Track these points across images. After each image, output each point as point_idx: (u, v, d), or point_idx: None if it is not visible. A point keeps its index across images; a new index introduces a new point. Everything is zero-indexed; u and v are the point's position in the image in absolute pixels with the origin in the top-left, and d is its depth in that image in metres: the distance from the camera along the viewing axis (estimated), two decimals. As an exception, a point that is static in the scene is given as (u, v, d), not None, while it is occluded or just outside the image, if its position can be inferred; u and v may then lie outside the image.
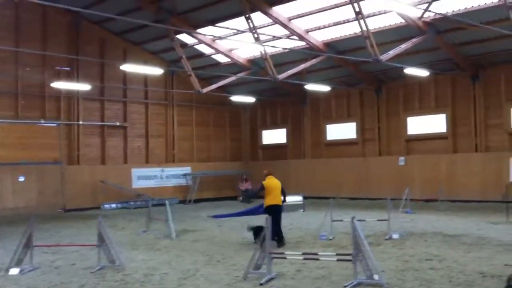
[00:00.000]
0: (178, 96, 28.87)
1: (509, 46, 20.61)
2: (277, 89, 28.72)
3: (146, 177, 27.39)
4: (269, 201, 12.80)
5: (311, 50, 22.78)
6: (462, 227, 14.93)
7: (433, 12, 16.54)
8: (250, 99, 28.79)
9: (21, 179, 23.29)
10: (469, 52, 22.03)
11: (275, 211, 12.42)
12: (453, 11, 18.92)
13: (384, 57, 18.80)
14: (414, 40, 20.19)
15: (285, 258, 9.68)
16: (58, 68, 24.56)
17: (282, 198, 13.10)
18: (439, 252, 10.93)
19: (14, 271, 9.97)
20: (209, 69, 27.28)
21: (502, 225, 15.04)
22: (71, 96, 25.15)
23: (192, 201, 27.75)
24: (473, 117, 23.03)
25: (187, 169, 29.04)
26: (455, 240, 12.45)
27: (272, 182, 12.97)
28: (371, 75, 25.66)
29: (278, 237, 12.47)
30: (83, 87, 24.00)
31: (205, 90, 24.83)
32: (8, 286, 8.88)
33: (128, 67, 23.26)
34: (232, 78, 25.78)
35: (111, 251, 10.18)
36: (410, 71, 21.54)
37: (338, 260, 9.20)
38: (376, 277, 8.09)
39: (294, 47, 22.87)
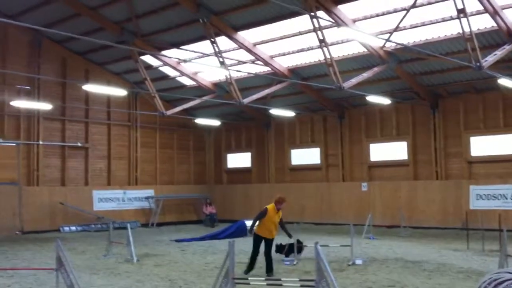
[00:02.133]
0: (141, 118, 28.60)
1: (467, 77, 21.34)
2: (242, 113, 28.82)
3: (107, 200, 26.86)
4: (260, 229, 12.16)
5: (275, 76, 23.02)
6: (423, 253, 15.12)
7: (394, 42, 16.98)
8: (215, 122, 28.78)
9: (-24, 200, 22.54)
10: (429, 82, 22.65)
11: (257, 241, 12.12)
12: (414, 41, 19.48)
13: (347, 84, 19.13)
14: (375, 69, 20.65)
15: (248, 284, 9.57)
16: (18, 86, 24.04)
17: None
18: (400, 278, 11.03)
19: (-35, 296, 9.56)
20: (173, 91, 27.20)
21: (463, 252, 15.30)
22: (31, 115, 24.62)
23: (155, 225, 27.33)
24: (433, 145, 23.56)
25: (150, 192, 28.64)
26: (416, 267, 12.59)
27: (271, 213, 12.19)
28: (334, 101, 26.03)
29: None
30: (44, 106, 23.53)
31: (169, 112, 24.69)
32: (-41, 313, 8.48)
33: (91, 87, 22.94)
34: (197, 101, 25.73)
35: (70, 275, 9.86)
36: (372, 98, 21.98)
37: (301, 286, 9.14)
38: (339, 303, 8.07)
39: (259, 72, 23.11)
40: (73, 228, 24.73)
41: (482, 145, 22.39)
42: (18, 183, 23.82)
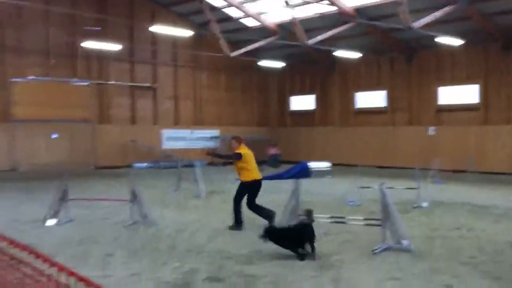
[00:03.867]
0: (206, 60, 28.86)
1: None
2: (306, 55, 28.47)
3: (175, 139, 27.72)
4: (253, 175, 10.52)
5: (341, 16, 22.43)
6: (491, 198, 14.82)
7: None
8: (279, 64, 28.62)
9: (54, 136, 23.83)
10: (502, 22, 21.43)
11: (259, 187, 10.63)
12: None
13: (416, 24, 18.45)
14: (446, 8, 19.72)
15: (312, 221, 9.76)
16: (88, 28, 24.70)
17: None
18: (467, 221, 10.93)
19: (50, 222, 10.32)
20: (238, 33, 27.12)
21: (532, 198, 14.89)
22: (101, 56, 25.37)
23: (221, 164, 28.01)
24: (505, 88, 22.56)
25: (215, 132, 29.27)
26: (483, 211, 12.39)
27: (249, 153, 10.72)
28: (402, 43, 25.21)
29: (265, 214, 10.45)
30: (113, 47, 24.14)
31: (233, 54, 24.73)
32: (45, 237, 9.20)
33: (157, 29, 23.20)
34: (261, 43, 25.60)
35: (143, 207, 10.44)
36: (442, 40, 21.11)
37: (366, 224, 9.27)
38: (404, 242, 8.15)
39: (324, 12, 22.55)
40: (143, 164, 25.81)
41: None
42: (91, 121, 24.93)
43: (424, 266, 7.25)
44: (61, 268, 3.23)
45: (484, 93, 23.36)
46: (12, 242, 3.66)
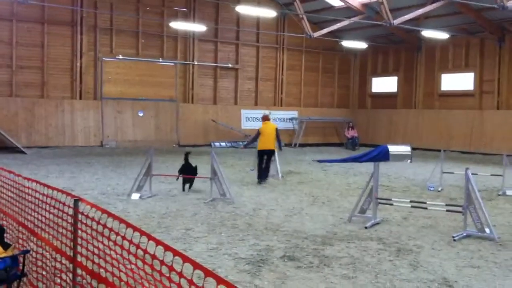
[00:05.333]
0: (288, 40, 28.83)
1: None
2: (391, 35, 27.71)
3: (254, 119, 28.03)
4: (260, 145, 13.71)
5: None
6: None
7: None
8: (362, 45, 28.07)
9: (141, 114, 24.87)
10: None
11: (263, 155, 13.59)
12: None
13: (510, 4, 17.43)
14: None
15: (391, 204, 9.67)
16: (176, 8, 25.39)
17: (278, 144, 13.90)
18: (557, 212, 10.37)
19: (135, 196, 10.87)
20: (321, 12, 26.80)
21: None
22: (187, 36, 26.02)
23: (298, 145, 28.11)
24: None
25: (294, 113, 29.32)
26: None
27: (267, 127, 13.71)
28: (494, 23, 23.91)
29: (262, 174, 13.60)
30: (199, 28, 24.68)
31: (316, 34, 24.50)
32: (130, 209, 9.72)
33: (242, 9, 23.43)
34: (345, 23, 25.16)
35: (223, 185, 10.75)
36: (541, 19, 19.83)
37: (447, 210, 9.05)
38: (487, 230, 7.89)
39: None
40: (223, 144, 26.37)
41: None
42: (176, 100, 25.75)
43: (507, 256, 7.01)
44: (150, 238, 3.43)
45: None
46: (105, 211, 3.93)
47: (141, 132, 24.77)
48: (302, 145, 28.14)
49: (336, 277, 6.00)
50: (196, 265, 2.98)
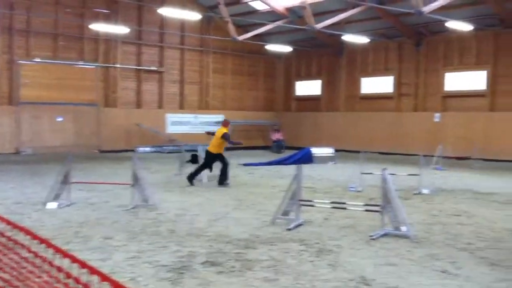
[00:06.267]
0: (214, 43, 28.77)
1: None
2: (314, 39, 28.30)
3: (179, 123, 27.75)
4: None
5: None
6: (494, 185, 14.77)
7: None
8: (286, 49, 28.47)
9: (60, 119, 23.93)
10: (515, 7, 21.20)
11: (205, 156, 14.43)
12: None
13: (427, 8, 18.24)
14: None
15: (313, 206, 9.81)
16: (97, 10, 24.67)
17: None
18: (468, 208, 10.91)
19: (51, 205, 10.38)
20: (246, 16, 26.96)
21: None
22: (109, 38, 25.35)
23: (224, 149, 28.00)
24: (514, 75, 22.39)
25: (220, 117, 29.18)
26: (486, 198, 12.37)
27: (217, 131, 14.45)
28: (412, 28, 24.99)
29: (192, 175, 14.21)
30: (121, 30, 24.11)
31: (241, 37, 24.62)
32: (46, 219, 9.27)
33: (166, 11, 23.12)
34: (269, 26, 25.45)
35: (145, 191, 10.49)
36: (452, 24, 20.89)
37: (366, 210, 9.28)
38: (403, 228, 8.15)
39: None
40: (147, 149, 25.87)
41: None
42: (97, 104, 24.99)
43: (422, 252, 7.26)
44: (57, 250, 3.26)
45: (492, 80, 23.16)
46: (10, 223, 3.70)
47: (60, 138, 23.81)
48: (228, 149, 28.03)
49: (258, 280, 5.98)
50: (103, 277, 2.85)
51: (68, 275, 3.08)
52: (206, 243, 7.65)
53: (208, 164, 14.43)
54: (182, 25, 27.60)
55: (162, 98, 27.58)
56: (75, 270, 3.13)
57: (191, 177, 14.08)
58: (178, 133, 27.20)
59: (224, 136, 14.13)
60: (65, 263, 3.14)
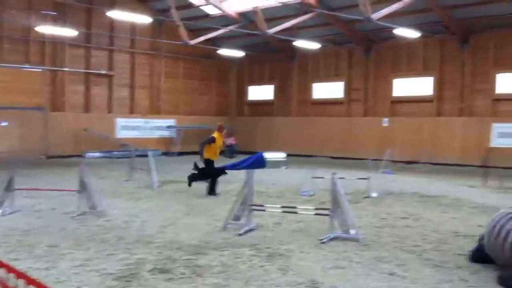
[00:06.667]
0: (165, 47, 28.47)
1: (501, 11, 20.57)
2: (266, 44, 28.46)
3: (130, 128, 27.31)
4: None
5: (303, 6, 22.48)
6: (440, 188, 15.20)
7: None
8: (239, 54, 28.51)
9: (4, 124, 23.11)
10: (461, 16, 21.95)
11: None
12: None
13: (376, 15, 18.63)
14: (406, 0, 20.00)
15: (264, 210, 9.81)
16: (44, 12, 24.00)
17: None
18: (415, 211, 11.17)
19: (-6, 213, 10.00)
20: (198, 20, 26.84)
21: (480, 188, 15.37)
22: (56, 41, 24.71)
23: (176, 154, 27.80)
24: (460, 81, 23.14)
25: (171, 121, 28.97)
26: (432, 201, 12.70)
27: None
28: (361, 34, 25.50)
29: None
30: (69, 32, 23.52)
31: (193, 42, 24.51)
32: (-11, 227, 8.91)
33: (116, 14, 22.76)
34: (221, 31, 25.44)
35: (92, 198, 10.24)
36: (400, 31, 21.42)
37: (316, 214, 9.35)
38: (352, 232, 8.26)
39: (286, 1, 22.55)
40: (96, 154, 25.34)
41: (509, 82, 21.97)
42: (44, 108, 24.28)
43: (370, 255, 7.36)
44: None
45: (438, 85, 23.89)
46: None
47: (4, 143, 22.99)
48: (180, 154, 27.87)
49: (207, 287, 5.92)
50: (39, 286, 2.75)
51: (4, 286, 2.95)
52: (155, 250, 7.52)
53: (205, 170, 14.09)
54: (133, 29, 27.22)
55: (112, 102, 27.08)
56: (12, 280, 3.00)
57: (212, 191, 13.65)
58: (128, 138, 26.75)
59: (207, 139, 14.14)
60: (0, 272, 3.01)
